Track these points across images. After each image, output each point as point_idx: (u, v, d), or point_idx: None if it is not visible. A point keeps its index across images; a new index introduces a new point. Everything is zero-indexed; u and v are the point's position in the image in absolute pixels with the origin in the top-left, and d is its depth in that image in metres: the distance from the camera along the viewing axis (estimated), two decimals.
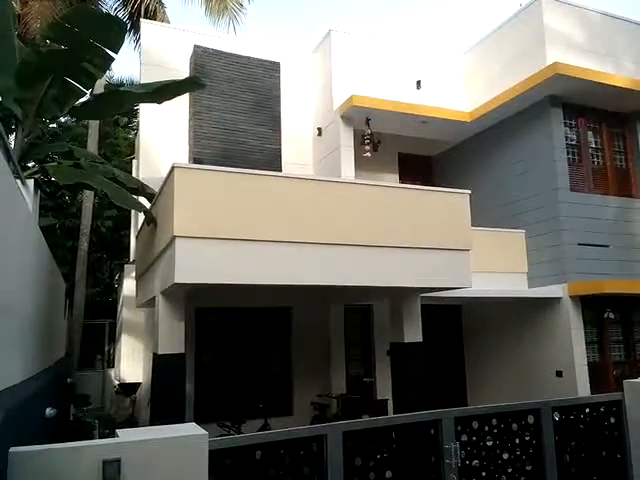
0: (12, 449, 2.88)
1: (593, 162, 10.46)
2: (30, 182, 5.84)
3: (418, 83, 11.34)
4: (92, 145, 12.69)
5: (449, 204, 7.28)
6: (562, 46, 10.04)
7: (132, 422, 10.71)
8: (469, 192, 7.40)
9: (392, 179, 12.16)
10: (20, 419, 3.24)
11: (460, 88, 11.96)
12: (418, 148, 12.61)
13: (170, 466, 3.23)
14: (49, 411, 4.49)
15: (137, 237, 9.99)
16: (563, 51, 9.95)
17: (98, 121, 13.16)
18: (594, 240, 9.80)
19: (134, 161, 14.13)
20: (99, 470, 3.02)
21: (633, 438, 5.47)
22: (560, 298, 9.57)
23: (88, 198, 12.03)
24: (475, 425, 4.89)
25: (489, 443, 4.93)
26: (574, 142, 10.29)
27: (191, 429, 3.55)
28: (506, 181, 10.85)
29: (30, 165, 8.60)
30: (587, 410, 5.45)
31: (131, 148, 17.69)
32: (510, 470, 4.97)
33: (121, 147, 18.22)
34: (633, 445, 5.48)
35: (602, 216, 10.04)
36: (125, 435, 3.37)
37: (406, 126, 11.19)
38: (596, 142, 10.61)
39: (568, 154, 10.06)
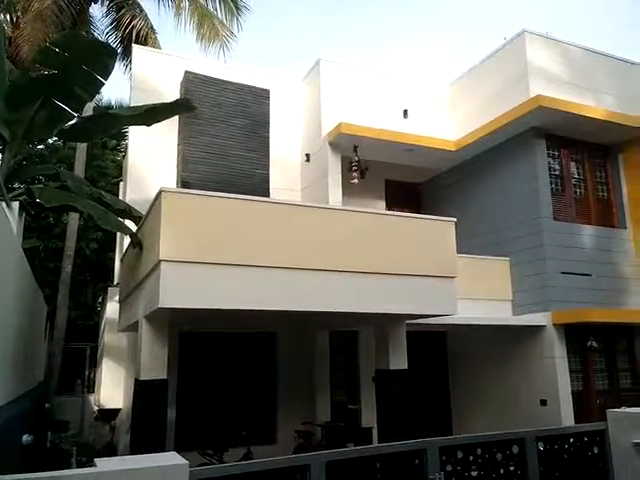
0: None
1: (575, 192, 10.67)
2: (15, 204, 5.80)
3: (405, 112, 11.55)
4: (79, 167, 12.65)
5: (435, 232, 7.35)
6: (545, 79, 10.32)
7: (111, 449, 10.45)
8: (455, 220, 7.48)
9: (379, 206, 12.27)
10: None
11: (446, 118, 12.19)
12: (405, 175, 12.77)
13: None
14: (26, 438, 4.39)
15: (122, 260, 9.91)
16: (546, 84, 10.22)
17: (86, 144, 13.15)
18: (577, 269, 9.93)
19: (121, 183, 14.09)
20: None
21: (617, 468, 5.46)
22: (544, 326, 9.63)
23: (73, 220, 11.94)
24: (460, 455, 4.85)
25: (474, 473, 4.89)
26: (557, 172, 10.51)
27: (171, 459, 3.48)
28: (491, 209, 11.00)
29: (16, 186, 8.54)
30: (571, 440, 5.44)
31: (119, 170, 17.67)
32: None
33: (109, 169, 18.18)
34: (617, 475, 5.47)
35: (584, 245, 10.20)
36: (103, 464, 3.29)
37: (393, 154, 11.35)
38: (579, 173, 10.85)
39: (551, 184, 10.26)
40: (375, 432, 8.86)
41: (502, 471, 5.03)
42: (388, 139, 10.67)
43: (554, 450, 5.32)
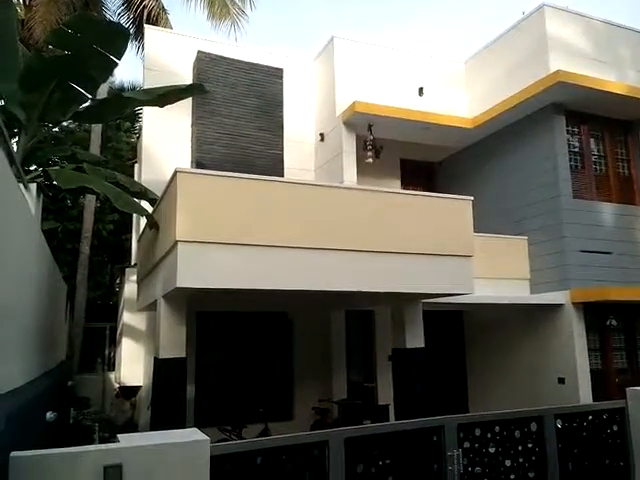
0: (13, 454, 2.86)
1: (595, 169, 10.46)
2: (33, 186, 5.84)
3: (420, 90, 11.38)
4: (94, 149, 12.71)
5: (452, 210, 7.27)
6: (565, 54, 10.06)
7: (132, 425, 10.68)
8: (472, 199, 7.39)
9: (394, 185, 12.17)
10: (21, 423, 3.23)
11: (462, 95, 11.98)
12: (420, 154, 12.62)
13: (172, 472, 3.21)
14: (50, 415, 4.48)
15: (139, 241, 9.99)
16: (566, 59, 9.96)
17: (100, 125, 13.19)
18: (596, 247, 9.79)
19: (136, 165, 14.15)
20: (100, 475, 3.01)
21: (636, 445, 5.44)
22: (562, 305, 9.55)
23: (90, 202, 12.04)
24: (478, 432, 4.86)
25: (492, 450, 4.90)
26: (577, 149, 10.30)
27: (193, 434, 3.53)
28: (509, 187, 10.85)
29: (32, 169, 8.60)
30: (590, 418, 5.42)
31: (133, 152, 17.73)
32: (513, 477, 4.94)
33: (123, 151, 18.24)
34: (636, 452, 5.45)
35: (604, 223, 10.03)
36: (126, 440, 3.35)
37: (408, 132, 11.21)
38: (599, 149, 10.62)
39: (571, 161, 10.07)
40: (392, 410, 8.92)
41: (520, 448, 5.04)
42: (403, 117, 10.52)
43: (572, 428, 5.31)
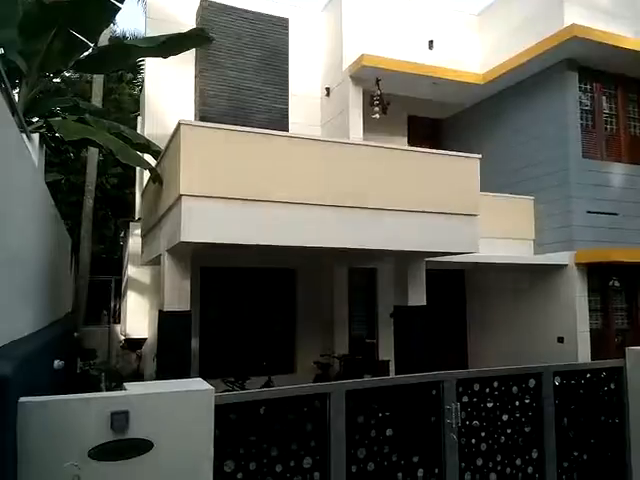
0: (22, 399, 2.92)
1: (606, 128, 10.27)
2: (35, 136, 5.77)
3: (430, 43, 11.05)
4: (96, 101, 12.48)
5: (459, 168, 7.18)
6: (581, 7, 9.71)
7: (138, 376, 10.92)
8: (479, 156, 7.28)
9: (401, 142, 12.00)
10: (29, 370, 3.29)
11: (473, 49, 11.65)
12: (428, 111, 12.39)
13: (177, 420, 3.28)
14: (57, 363, 4.56)
15: (142, 195, 9.96)
16: (582, 12, 9.62)
17: (102, 76, 12.92)
18: (603, 208, 9.72)
19: (139, 118, 13.94)
20: (107, 421, 3.08)
21: (632, 403, 5.54)
22: (566, 265, 9.56)
23: (93, 154, 11.92)
24: (476, 387, 4.94)
25: (489, 405, 5.00)
26: (588, 107, 10.08)
27: (198, 384, 3.60)
28: (517, 146, 10.69)
29: (35, 121, 8.49)
30: (588, 376, 5.50)
31: (136, 105, 17.44)
32: (509, 431, 5.05)
33: (126, 103, 17.95)
34: (632, 410, 5.55)
35: (612, 184, 9.93)
36: (133, 388, 3.42)
37: (417, 87, 10.96)
38: (610, 108, 10.39)
39: (581, 120, 9.88)
40: (392, 365, 9.09)
41: (517, 404, 5.13)
42: (412, 72, 10.27)
43: (570, 385, 5.39)
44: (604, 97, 10.32)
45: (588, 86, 10.12)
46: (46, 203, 5.40)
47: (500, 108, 11.20)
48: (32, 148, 5.33)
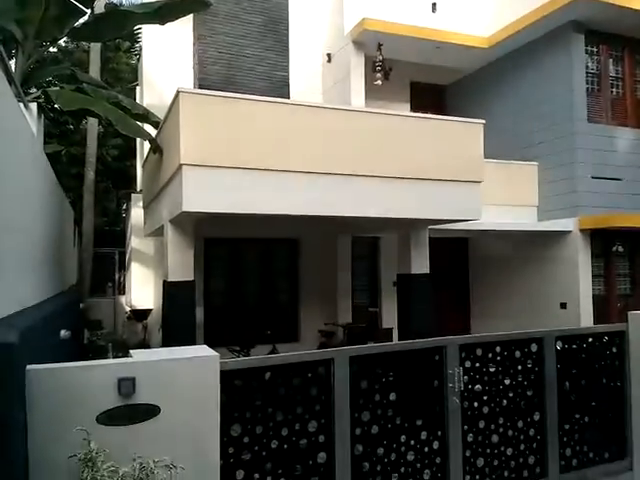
0: (29, 366, 2.96)
1: (612, 92, 10.09)
2: (33, 106, 5.70)
3: (433, 6, 10.76)
4: (94, 71, 12.27)
5: (462, 134, 7.09)
6: None
7: (144, 346, 11.04)
8: (483, 122, 7.19)
9: (403, 109, 11.82)
10: (36, 339, 3.32)
11: (477, 12, 11.34)
12: (431, 76, 12.17)
13: (183, 386, 3.33)
14: (63, 333, 4.61)
15: (143, 166, 9.91)
16: None
17: (99, 45, 12.69)
18: (608, 173, 9.63)
19: (137, 88, 13.75)
20: (114, 388, 3.12)
21: (634, 366, 5.59)
22: (570, 232, 9.54)
23: (92, 125, 11.80)
24: (479, 352, 4.98)
25: (492, 369, 5.05)
26: (594, 71, 9.89)
27: (203, 351, 3.64)
28: (521, 111, 10.54)
29: (32, 91, 8.39)
30: (590, 340, 5.53)
31: (134, 74, 17.19)
32: (511, 395, 5.11)
33: (124, 73, 17.68)
34: (633, 373, 5.61)
35: (617, 148, 9.81)
36: (139, 355, 3.46)
37: (420, 52, 10.75)
38: (617, 71, 10.19)
39: (587, 83, 9.70)
40: (395, 333, 9.17)
41: (519, 368, 5.18)
42: (415, 36, 10.05)
43: (572, 349, 5.43)
44: (611, 60, 10.10)
45: (594, 49, 9.90)
46: (46, 172, 5.37)
47: (504, 73, 10.99)
48: (30, 118, 5.27)
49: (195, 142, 5.66)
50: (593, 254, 9.62)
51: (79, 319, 8.40)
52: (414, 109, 11.98)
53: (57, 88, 7.40)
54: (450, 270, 11.87)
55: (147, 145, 7.63)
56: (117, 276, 16.58)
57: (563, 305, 9.57)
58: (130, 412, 3.15)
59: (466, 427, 4.84)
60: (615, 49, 10.14)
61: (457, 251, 12.08)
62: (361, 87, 10.03)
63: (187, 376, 3.35)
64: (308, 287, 10.62)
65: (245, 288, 10.35)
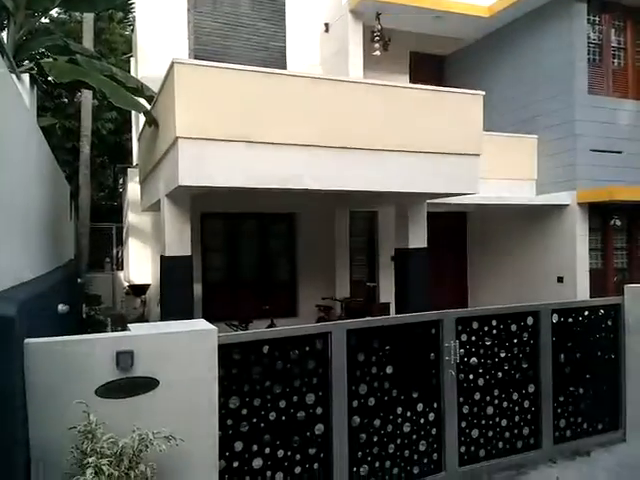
0: (27, 340, 2.97)
1: (614, 63, 9.94)
2: (26, 77, 5.60)
3: None
4: (87, 42, 12.05)
5: (461, 106, 7.00)
6: None
7: (143, 321, 11.11)
8: (483, 93, 7.09)
9: (402, 80, 11.64)
10: (33, 313, 3.32)
11: None
12: (431, 47, 11.97)
13: (181, 359, 3.35)
14: (62, 307, 4.61)
15: (139, 140, 9.80)
16: None
17: (92, 16, 12.42)
18: (607, 146, 9.56)
19: (132, 60, 13.52)
20: (112, 361, 3.14)
21: (629, 338, 5.64)
22: (567, 205, 9.52)
23: (87, 99, 11.64)
24: (475, 325, 5.01)
25: (488, 342, 5.09)
26: (596, 41, 9.73)
27: (201, 324, 3.65)
28: (521, 83, 10.40)
29: (25, 63, 8.24)
30: (586, 313, 5.57)
31: (128, 46, 16.89)
32: (506, 367, 5.16)
33: (117, 44, 17.38)
34: (628, 346, 5.66)
35: (617, 121, 9.71)
36: (137, 329, 3.47)
37: (419, 22, 10.53)
38: (619, 41, 10.03)
39: (588, 54, 9.55)
40: (393, 308, 9.21)
41: (515, 341, 5.22)
42: (414, 4, 9.82)
43: (568, 322, 5.47)
44: (613, 30, 9.93)
45: (597, 18, 9.72)
46: (41, 146, 5.30)
47: (505, 43, 10.81)
48: (23, 89, 5.18)
49: (191, 114, 5.58)
50: (591, 228, 9.62)
51: (77, 294, 8.42)
52: (413, 80, 11.81)
53: (50, 60, 7.26)
54: (448, 245, 11.87)
55: (142, 118, 7.53)
56: (115, 251, 16.60)
57: (560, 279, 9.61)
58: (129, 385, 3.17)
59: (461, 399, 4.90)
60: (617, 18, 9.96)
61: (455, 226, 12.07)
62: (359, 58, 9.86)
63: (185, 349, 3.37)
64: (306, 262, 10.63)
65: (243, 263, 10.35)
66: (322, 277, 10.64)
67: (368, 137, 6.37)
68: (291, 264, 10.72)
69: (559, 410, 5.39)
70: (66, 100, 15.27)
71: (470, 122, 7.01)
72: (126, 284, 12.36)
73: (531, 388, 5.27)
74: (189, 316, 6.47)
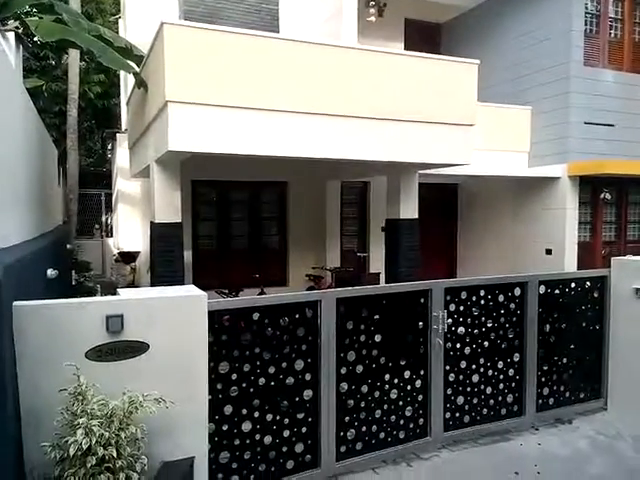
0: (16, 303, 2.95)
1: (610, 34, 9.83)
2: (11, 36, 5.43)
3: None
4: (75, 2, 11.67)
5: (455, 75, 6.91)
6: None
7: (133, 288, 11.11)
8: (478, 62, 6.99)
9: (397, 47, 11.44)
10: (21, 276, 3.29)
11: None
12: (426, 13, 11.75)
13: (171, 324, 3.36)
14: (50, 272, 4.59)
15: (128, 103, 9.61)
16: None
17: None
18: (601, 119, 9.53)
19: (120, 22, 13.14)
20: (102, 325, 3.14)
21: (614, 309, 5.73)
22: (558, 178, 9.54)
23: (74, 60, 11.32)
24: (464, 295, 5.07)
25: (475, 312, 5.15)
26: (593, 11, 9.59)
27: (191, 290, 3.65)
28: (517, 53, 10.28)
29: (9, 23, 7.96)
30: (573, 285, 5.64)
31: (117, 6, 16.39)
32: (493, 336, 5.25)
33: (105, 5, 16.86)
34: (613, 317, 5.76)
35: (612, 94, 9.66)
36: (127, 294, 3.46)
37: None
38: (616, 12, 9.89)
39: (586, 24, 9.43)
40: (383, 278, 9.26)
41: (502, 311, 5.29)
42: None
43: (554, 294, 5.54)
44: (611, 0, 9.80)
45: None
46: (26, 107, 5.17)
47: (502, 11, 10.62)
48: (7, 46, 5.02)
49: (181, 78, 5.46)
50: (581, 201, 9.68)
51: (67, 260, 8.36)
52: (408, 48, 11.56)
53: (36, 18, 7.02)
54: (439, 216, 11.91)
55: (131, 82, 7.36)
56: (104, 218, 16.45)
57: (549, 251, 9.71)
58: (119, 348, 3.18)
59: (448, 367, 4.99)
60: None
61: (446, 197, 12.08)
62: (353, 24, 9.63)
63: (175, 314, 3.38)
64: (297, 231, 10.62)
65: (234, 231, 10.33)
66: (313, 246, 10.66)
67: (358, 104, 6.29)
68: (282, 233, 10.71)
69: (543, 379, 5.51)
70: (53, 62, 14.87)
71: (464, 91, 6.93)
72: (116, 251, 12.28)
73: (516, 357, 5.37)
74: (179, 284, 6.46)
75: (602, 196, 9.70)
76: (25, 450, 2.98)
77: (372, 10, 9.66)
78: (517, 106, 10.03)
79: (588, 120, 9.42)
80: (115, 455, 2.78)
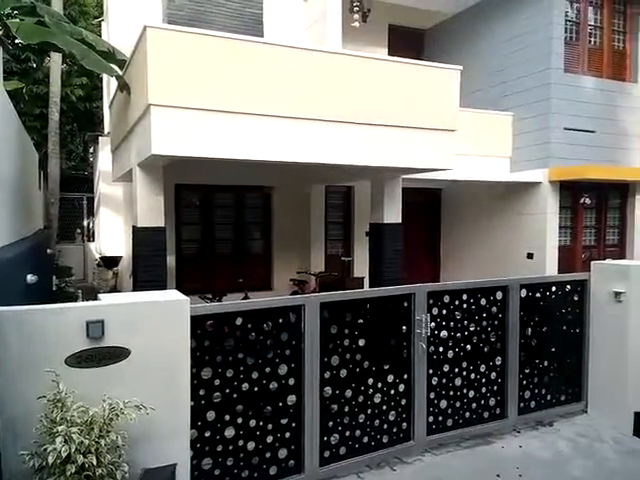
0: None
1: (590, 41, 10.01)
2: None
3: None
4: (56, 4, 11.55)
5: (438, 81, 6.96)
6: None
7: (115, 293, 10.98)
8: (460, 68, 7.06)
9: (381, 53, 11.52)
10: (0, 281, 3.24)
11: None
12: (410, 19, 11.85)
13: (154, 329, 3.33)
14: (31, 277, 4.52)
15: (110, 107, 9.53)
16: None
17: None
18: (581, 125, 9.68)
19: (103, 25, 13.04)
20: (82, 330, 3.10)
21: (594, 313, 5.82)
22: (539, 183, 9.67)
23: (56, 63, 11.19)
24: (446, 299, 5.11)
25: (458, 316, 5.20)
26: (573, 19, 9.77)
27: (173, 295, 3.62)
28: (498, 60, 10.42)
29: None
30: (553, 288, 5.71)
31: (99, 9, 16.26)
32: (475, 340, 5.30)
33: (88, 7, 16.70)
34: (592, 321, 5.84)
35: (592, 100, 9.83)
36: (108, 299, 3.42)
37: None
38: (596, 20, 10.08)
39: (566, 32, 9.60)
40: (367, 283, 9.28)
41: (484, 314, 5.35)
42: None
43: (536, 297, 5.61)
44: (590, 8, 9.98)
45: None
46: (6, 108, 5.10)
47: (484, 18, 10.76)
48: None
49: (164, 81, 5.43)
50: (561, 206, 9.82)
51: (47, 265, 8.25)
52: (392, 53, 11.65)
53: (17, 20, 6.94)
54: (422, 221, 11.98)
55: (113, 85, 7.30)
56: (86, 222, 16.27)
57: (530, 255, 9.82)
58: (99, 355, 3.14)
59: (431, 371, 5.02)
60: None
61: (430, 202, 12.17)
62: (338, 29, 9.68)
63: (157, 320, 3.35)
64: (281, 236, 10.60)
65: (217, 236, 10.27)
66: (297, 251, 10.65)
67: (341, 109, 6.31)
68: (266, 238, 10.68)
69: (524, 382, 5.58)
70: (34, 64, 14.67)
71: (446, 97, 7.00)
72: (97, 256, 12.14)
73: (498, 361, 5.42)
74: (162, 289, 6.41)
75: (582, 201, 9.85)
76: (3, 459, 2.93)
77: (356, 16, 9.71)
78: (499, 112, 10.16)
79: (569, 126, 9.57)
80: (95, 463, 2.74)
